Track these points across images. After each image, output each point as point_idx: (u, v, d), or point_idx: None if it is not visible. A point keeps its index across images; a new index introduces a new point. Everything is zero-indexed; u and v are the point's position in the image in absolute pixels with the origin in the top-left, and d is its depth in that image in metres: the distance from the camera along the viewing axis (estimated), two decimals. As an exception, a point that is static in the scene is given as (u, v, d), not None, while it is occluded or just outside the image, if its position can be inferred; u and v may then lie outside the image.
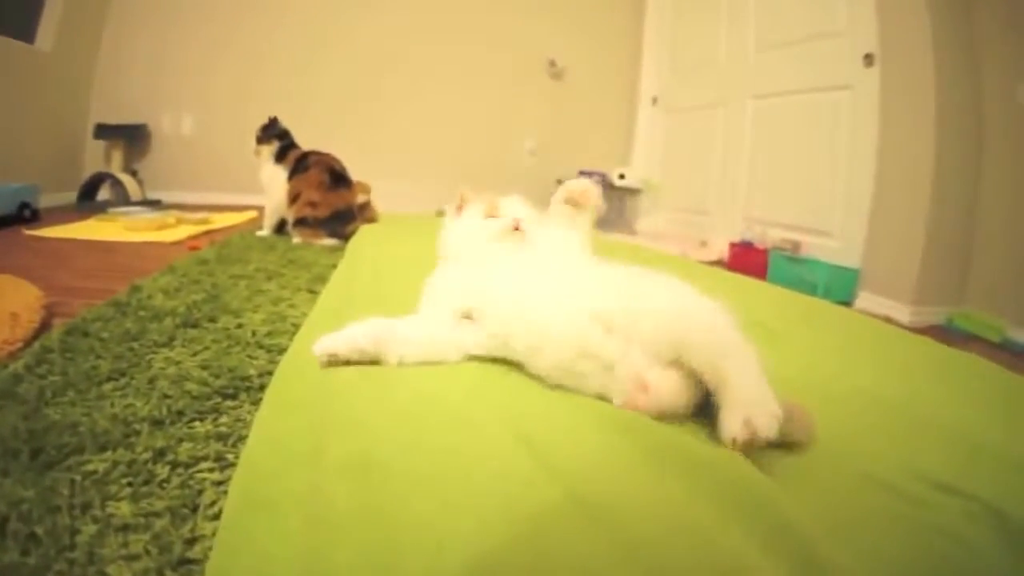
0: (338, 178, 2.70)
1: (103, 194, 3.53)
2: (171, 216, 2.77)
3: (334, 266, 1.91)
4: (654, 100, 4.95)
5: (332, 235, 2.58)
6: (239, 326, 1.21)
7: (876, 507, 0.62)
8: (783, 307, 1.77)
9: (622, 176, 4.82)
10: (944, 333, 2.47)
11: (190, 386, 0.91)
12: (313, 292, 1.51)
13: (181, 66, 3.93)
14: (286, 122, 4.22)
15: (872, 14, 2.87)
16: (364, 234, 2.43)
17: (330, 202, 2.60)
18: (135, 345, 1.08)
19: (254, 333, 1.17)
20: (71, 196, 3.51)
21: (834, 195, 3.11)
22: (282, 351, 1.05)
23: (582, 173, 4.87)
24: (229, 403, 0.89)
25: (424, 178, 4.78)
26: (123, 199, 3.38)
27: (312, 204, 2.57)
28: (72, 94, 3.66)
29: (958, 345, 2.19)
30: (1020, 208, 2.49)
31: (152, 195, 3.73)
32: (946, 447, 0.75)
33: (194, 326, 1.20)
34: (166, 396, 0.88)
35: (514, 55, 4.96)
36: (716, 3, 4.13)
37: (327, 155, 2.78)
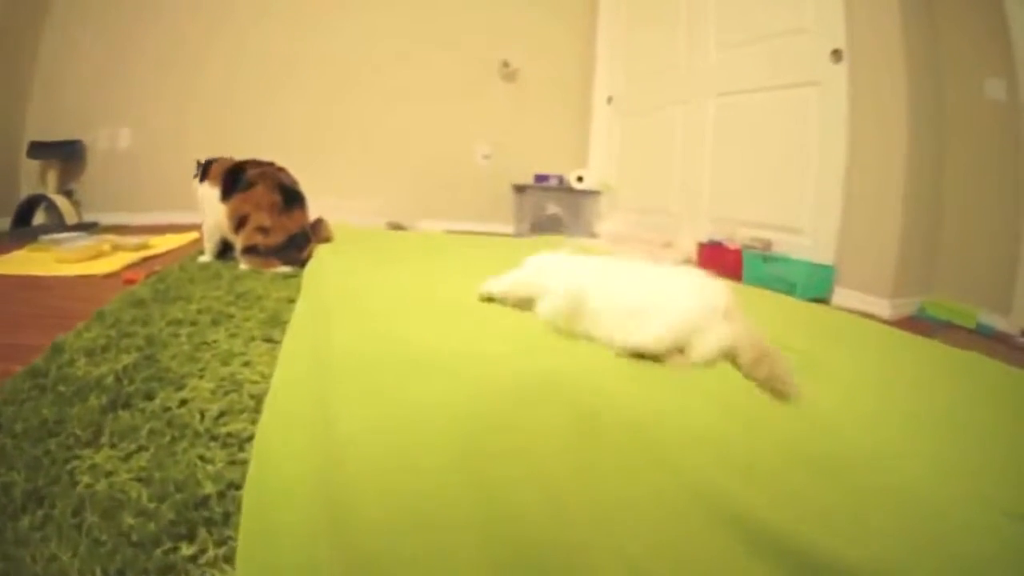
0: (291, 196, 2.31)
1: (40, 217, 3.15)
2: (106, 243, 2.43)
3: (291, 300, 1.64)
4: (609, 100, 4.75)
5: (287, 262, 2.23)
6: (183, 403, 0.92)
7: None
8: (801, 321, 1.61)
9: (580, 179, 4.62)
10: (918, 323, 2.43)
11: (127, 521, 0.64)
12: (271, 342, 1.23)
13: (117, 77, 3.50)
14: (224, 132, 3.94)
15: (840, 10, 2.74)
16: (321, 258, 2.14)
17: (284, 226, 2.23)
18: (53, 445, 0.80)
19: (203, 415, 0.88)
20: (5, 222, 3.12)
21: (804, 192, 2.97)
22: (243, 442, 0.80)
23: (538, 177, 4.66)
24: (184, 550, 0.61)
25: (374, 189, 4.46)
26: (58, 223, 3.02)
27: (263, 230, 2.20)
28: (4, 111, 3.26)
29: (937, 334, 2.19)
30: (984, 197, 2.47)
31: (89, 217, 3.35)
32: None
33: (126, 406, 0.91)
34: (98, 542, 0.61)
35: (465, 57, 4.65)
36: (674, 1, 3.94)
37: (269, 166, 2.37)
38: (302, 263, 2.19)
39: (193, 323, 1.34)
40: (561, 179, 4.71)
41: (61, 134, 3.35)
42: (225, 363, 1.09)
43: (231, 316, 1.42)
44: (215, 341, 1.21)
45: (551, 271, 1.37)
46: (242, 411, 0.89)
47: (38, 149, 3.23)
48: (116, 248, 2.48)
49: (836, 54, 2.74)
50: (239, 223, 2.21)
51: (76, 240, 2.32)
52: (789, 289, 2.71)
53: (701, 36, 3.71)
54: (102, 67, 3.46)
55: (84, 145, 3.44)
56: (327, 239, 2.50)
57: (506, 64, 4.67)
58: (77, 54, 3.42)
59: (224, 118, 3.92)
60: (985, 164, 2.47)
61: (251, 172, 2.29)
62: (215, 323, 1.35)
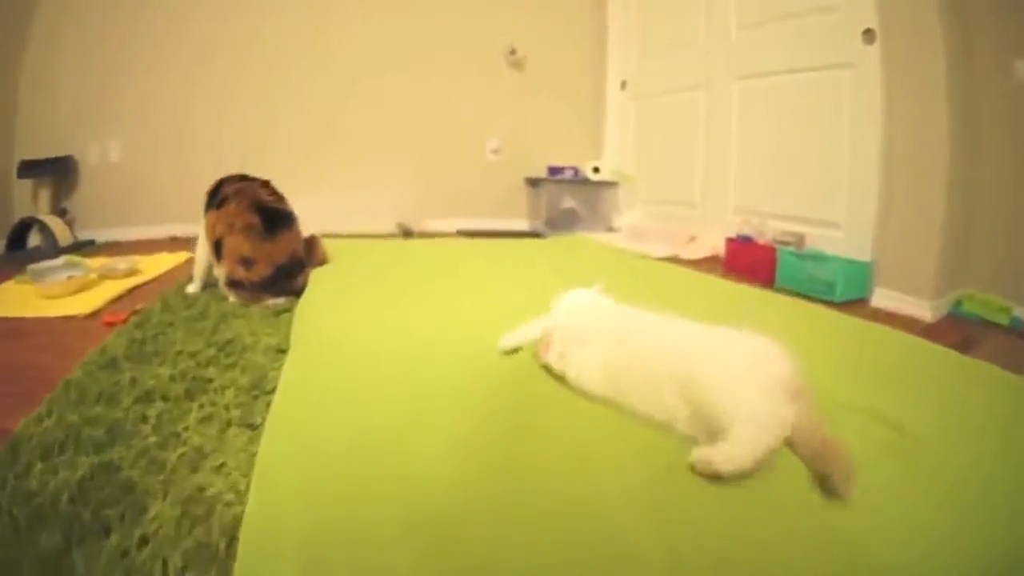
0: (273, 218, 1.98)
1: (35, 238, 2.99)
2: (93, 272, 2.27)
3: (280, 350, 1.44)
4: (623, 85, 4.50)
5: (278, 293, 1.97)
6: (142, 543, 0.73)
7: None
8: (864, 357, 1.39)
9: (596, 170, 4.40)
10: (958, 323, 2.31)
11: None
12: (250, 427, 1.02)
13: (105, 88, 3.29)
14: (221, 138, 3.74)
15: (869, -13, 2.49)
16: (315, 289, 1.92)
17: (269, 256, 1.93)
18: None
19: (165, 565, 0.69)
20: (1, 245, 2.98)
21: (838, 182, 2.75)
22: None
23: (552, 170, 4.44)
24: None
25: (382, 190, 4.24)
26: (52, 245, 2.86)
27: (245, 261, 1.90)
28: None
29: (976, 335, 2.07)
30: (1019, 187, 2.29)
31: (84, 235, 3.19)
32: None
33: (80, 542, 0.73)
34: None
35: (470, 45, 4.41)
36: (690, -24, 3.68)
37: (248, 181, 2.07)
38: (297, 292, 1.97)
39: (165, 397, 1.15)
40: (576, 171, 4.49)
41: (51, 151, 3.18)
42: (194, 468, 0.90)
43: (209, 381, 1.23)
44: (185, 430, 1.02)
45: (584, 316, 1.16)
46: (211, 559, 0.71)
47: (28, 168, 3.06)
48: (103, 276, 2.31)
49: (868, 34, 2.52)
50: (215, 245, 1.97)
51: (61, 272, 2.15)
52: (828, 291, 2.51)
53: (720, 14, 3.46)
54: (89, 78, 3.27)
55: (75, 161, 3.27)
56: (322, 262, 2.27)
57: (513, 51, 4.43)
58: (62, 67, 3.23)
59: (220, 123, 3.72)
60: (1015, 150, 2.30)
61: (228, 188, 2.02)
62: (189, 395, 1.16)
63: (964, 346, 1.92)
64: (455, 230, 4.42)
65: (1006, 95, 2.28)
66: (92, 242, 3.17)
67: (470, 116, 4.50)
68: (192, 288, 2.10)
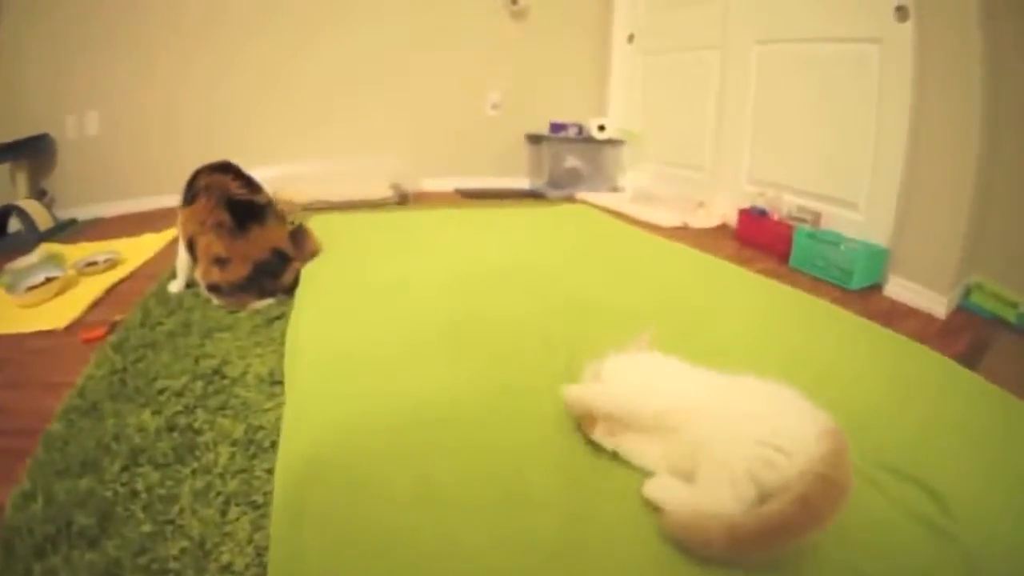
0: (244, 213, 1.82)
1: (15, 224, 2.82)
2: (71, 269, 2.14)
3: (273, 381, 1.34)
4: (630, 38, 4.25)
5: (263, 294, 1.83)
6: None
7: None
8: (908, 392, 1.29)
9: (602, 127, 4.20)
10: (968, 316, 2.22)
11: None
12: (255, 540, 0.87)
13: (77, 57, 3.02)
14: (204, 102, 3.49)
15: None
16: (306, 293, 1.76)
17: (243, 254, 1.79)
18: None
19: None
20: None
21: (860, 162, 2.58)
22: None
23: (555, 127, 4.25)
24: None
25: (377, 149, 4.02)
26: (32, 231, 2.71)
27: (219, 261, 1.77)
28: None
29: (985, 336, 2.04)
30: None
31: (66, 214, 3.01)
32: None
33: None
34: None
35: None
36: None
37: (222, 172, 1.89)
38: (286, 291, 1.83)
39: (152, 460, 1.05)
40: (580, 128, 4.29)
41: (24, 129, 2.96)
42: (199, 571, 0.82)
43: (198, 434, 1.14)
44: (181, 513, 0.93)
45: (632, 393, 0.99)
46: None
47: (3, 151, 2.86)
48: (82, 273, 2.19)
49: (901, 11, 2.33)
50: (189, 244, 1.83)
51: (38, 272, 2.02)
52: (843, 277, 2.41)
53: (738, -33, 3.22)
54: (60, 47, 3.00)
55: (52, 138, 3.06)
56: (313, 253, 2.10)
57: (514, 0, 4.16)
58: (31, 37, 2.95)
59: (204, 88, 3.47)
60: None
61: (201, 181, 1.86)
62: (179, 457, 1.07)
63: (975, 350, 1.85)
64: (453, 189, 4.26)
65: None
66: (74, 221, 3.01)
67: (469, 69, 4.24)
68: (174, 287, 1.97)
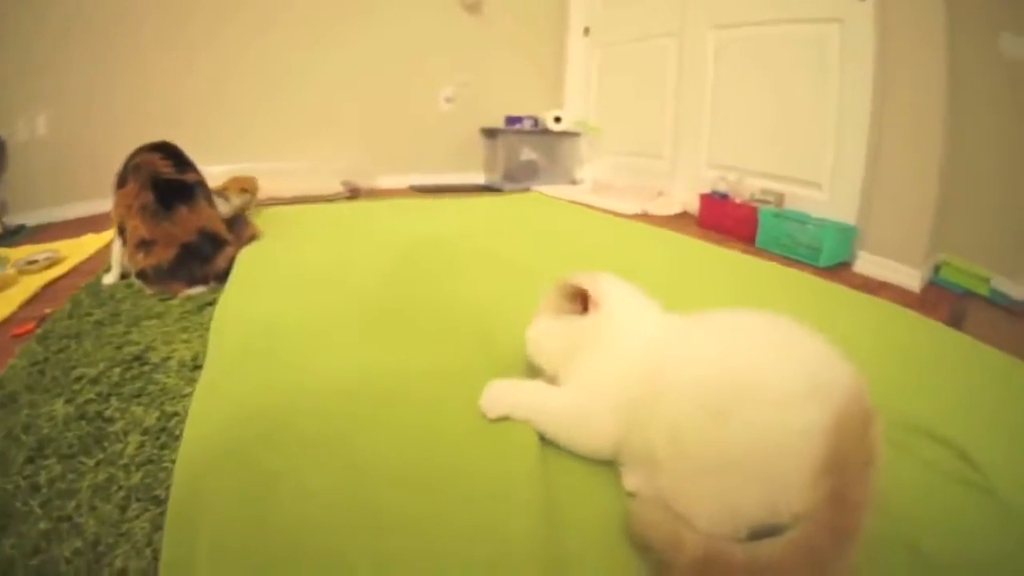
0: (170, 191, 1.67)
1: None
2: (11, 267, 1.95)
3: (196, 367, 1.19)
4: (586, 31, 4.20)
5: (193, 280, 1.66)
6: None
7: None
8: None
9: (558, 119, 4.13)
10: (940, 291, 2.20)
11: None
12: (154, 541, 0.73)
13: (27, 56, 2.77)
14: (152, 101, 3.28)
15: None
16: (239, 274, 1.65)
17: (168, 235, 1.63)
18: None
19: None
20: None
21: (823, 141, 2.58)
22: None
23: (510, 120, 4.15)
24: None
25: (327, 146, 3.84)
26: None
27: (144, 244, 1.62)
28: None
29: (959, 307, 2.01)
30: (999, 151, 2.14)
31: (16, 219, 2.75)
32: None
33: None
34: None
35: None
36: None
37: (151, 152, 1.75)
38: (219, 277, 1.68)
39: (57, 452, 0.91)
40: (536, 120, 4.21)
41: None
42: None
43: (109, 422, 1.01)
44: (77, 508, 0.80)
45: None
46: None
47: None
48: (22, 272, 2.00)
49: (861, -10, 2.32)
50: (120, 231, 1.68)
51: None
52: (811, 255, 2.38)
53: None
54: (7, 48, 2.75)
55: (2, 141, 2.79)
56: (251, 238, 1.96)
57: (468, -8, 4.05)
58: None
59: (152, 85, 3.23)
60: (994, 111, 2.15)
61: (133, 161, 1.73)
62: (84, 448, 0.93)
63: (954, 321, 1.82)
64: (407, 186, 4.11)
65: (993, 64, 2.11)
66: (23, 227, 2.74)
67: (422, 63, 4.10)
68: (108, 279, 1.79)
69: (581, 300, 0.86)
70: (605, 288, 0.86)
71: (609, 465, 0.80)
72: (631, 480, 0.75)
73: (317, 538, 0.66)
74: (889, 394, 1.00)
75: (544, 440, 0.83)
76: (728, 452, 0.61)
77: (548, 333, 0.90)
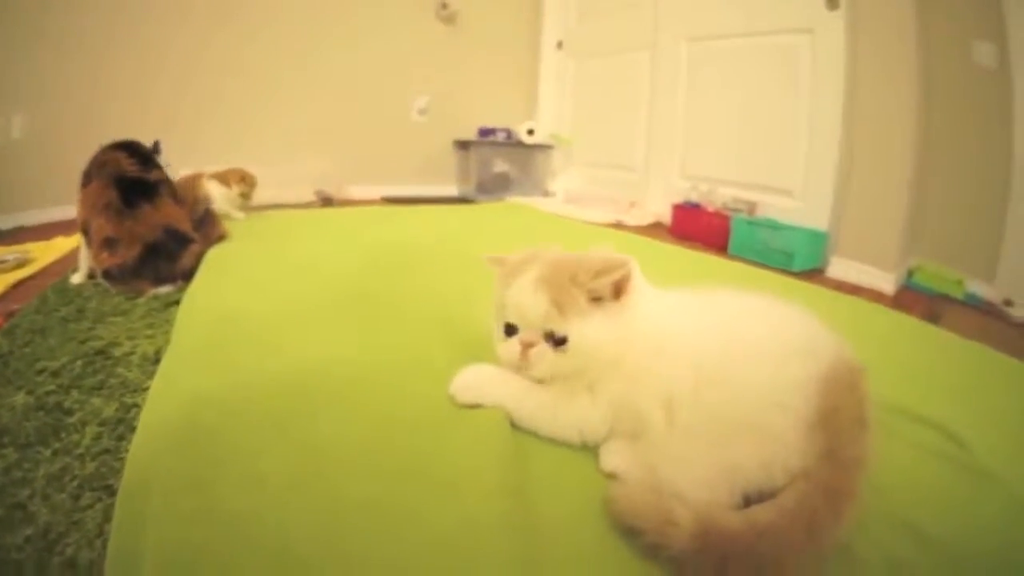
0: (134, 190, 1.63)
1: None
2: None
3: (158, 360, 1.13)
4: (559, 44, 4.21)
5: (159, 279, 1.61)
6: None
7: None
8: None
9: (530, 131, 4.11)
10: (913, 295, 2.20)
11: None
12: (105, 530, 0.70)
13: (1, 57, 2.72)
14: (126, 107, 3.19)
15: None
16: (206, 270, 1.61)
17: (133, 233, 1.59)
18: None
19: None
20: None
21: (794, 150, 2.58)
22: None
23: (483, 131, 4.13)
24: None
25: (299, 156, 3.74)
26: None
27: (108, 243, 1.58)
28: None
29: (936, 310, 1.96)
30: (968, 158, 2.19)
31: None
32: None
33: None
34: None
35: (395, -3, 3.95)
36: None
37: (116, 150, 1.72)
38: (185, 276, 1.62)
39: (15, 442, 0.87)
40: (509, 133, 4.19)
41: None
42: (40, 567, 0.65)
43: (68, 413, 0.97)
44: (31, 497, 0.76)
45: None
46: None
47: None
48: (-7, 272, 1.93)
49: (832, 0, 2.33)
50: (85, 230, 1.63)
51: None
52: (785, 260, 2.37)
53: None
54: None
55: None
56: (220, 238, 1.91)
57: (444, 5, 4.03)
58: None
59: (128, 90, 3.14)
60: (964, 116, 2.19)
61: (97, 160, 1.69)
62: (42, 438, 0.89)
63: (930, 322, 1.80)
64: (379, 197, 4.05)
65: (964, 71, 2.15)
66: None
67: (396, 74, 4.06)
68: (76, 278, 1.73)
69: (615, 285, 0.70)
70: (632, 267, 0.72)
71: (584, 449, 0.74)
72: (611, 460, 0.69)
73: (264, 521, 0.61)
74: (873, 380, 0.98)
75: (515, 426, 0.77)
76: (722, 411, 0.60)
77: (600, 332, 0.69)
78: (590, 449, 0.73)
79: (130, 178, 1.66)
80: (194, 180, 2.36)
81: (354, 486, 0.66)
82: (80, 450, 0.87)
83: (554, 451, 0.74)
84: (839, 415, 0.56)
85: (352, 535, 0.59)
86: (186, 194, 2.14)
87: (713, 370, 0.62)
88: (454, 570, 0.55)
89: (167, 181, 1.80)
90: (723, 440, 0.58)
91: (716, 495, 0.57)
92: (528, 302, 0.70)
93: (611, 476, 0.68)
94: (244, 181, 2.44)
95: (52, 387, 1.06)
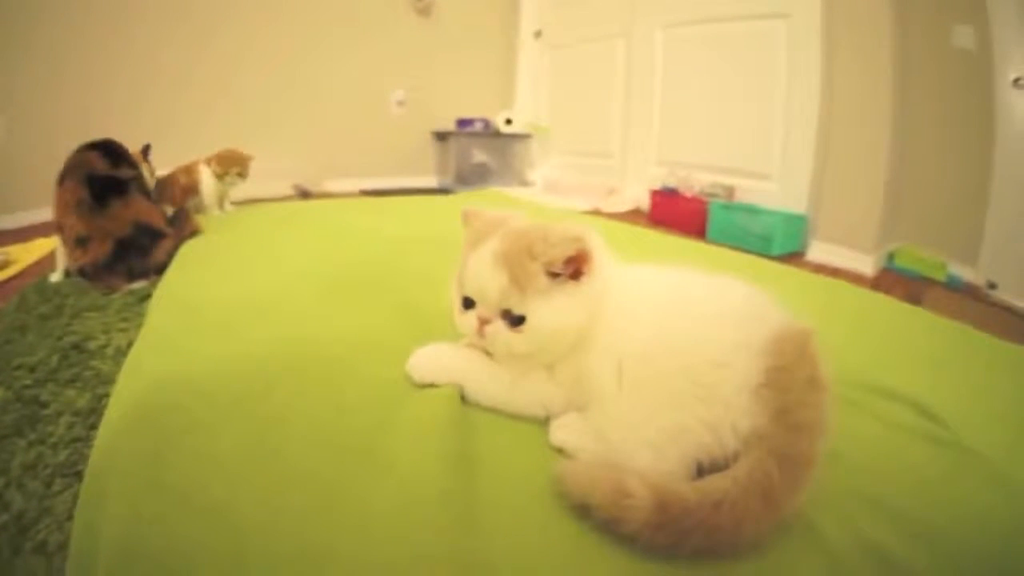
0: (104, 187, 1.63)
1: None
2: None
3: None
4: (537, 34, 4.15)
5: (134, 275, 1.60)
6: None
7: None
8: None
9: (509, 121, 4.06)
10: (895, 278, 2.19)
11: None
12: (72, 515, 0.72)
13: None
14: (108, 105, 3.11)
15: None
16: (179, 261, 1.55)
17: (104, 230, 1.59)
18: None
19: None
20: None
21: (772, 134, 2.55)
22: None
23: (461, 122, 4.07)
24: None
25: (276, 149, 3.54)
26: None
27: (81, 241, 1.57)
28: None
29: (918, 292, 1.91)
30: (949, 141, 2.19)
31: None
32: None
33: None
34: None
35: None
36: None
37: (89, 150, 1.72)
38: (158, 270, 1.58)
39: None
40: (487, 123, 4.13)
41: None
42: (15, 549, 0.72)
43: (43, 406, 1.03)
44: (7, 486, 0.82)
45: None
46: None
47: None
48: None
49: (808, -16, 2.32)
50: (59, 229, 1.62)
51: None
52: (764, 244, 2.33)
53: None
54: None
55: None
56: (193, 232, 1.85)
57: (418, -5, 3.96)
58: None
59: (113, 87, 3.09)
60: (943, 100, 2.18)
61: (71, 161, 1.68)
62: (17, 430, 0.95)
63: (911, 303, 1.79)
64: (358, 190, 3.98)
65: (943, 54, 2.14)
66: None
67: (373, 67, 4.00)
68: (55, 277, 1.73)
69: (573, 262, 0.64)
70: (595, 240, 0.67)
71: (538, 424, 0.70)
72: (561, 434, 0.65)
73: (212, 493, 0.59)
74: (846, 359, 0.94)
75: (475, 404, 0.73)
76: (667, 371, 0.56)
77: (561, 315, 0.64)
78: (543, 424, 0.70)
79: (101, 176, 1.65)
80: (193, 166, 2.30)
81: (300, 460, 0.63)
82: (54, 439, 0.92)
83: (506, 427, 0.70)
84: (788, 374, 0.53)
85: (291, 507, 0.56)
86: (189, 179, 2.21)
87: (658, 335, 0.60)
88: (385, 541, 0.52)
89: (138, 178, 1.79)
90: (668, 402, 0.56)
91: (665, 459, 0.55)
92: (486, 277, 0.65)
93: (561, 450, 0.64)
94: (237, 162, 2.35)
95: (29, 381, 1.10)
